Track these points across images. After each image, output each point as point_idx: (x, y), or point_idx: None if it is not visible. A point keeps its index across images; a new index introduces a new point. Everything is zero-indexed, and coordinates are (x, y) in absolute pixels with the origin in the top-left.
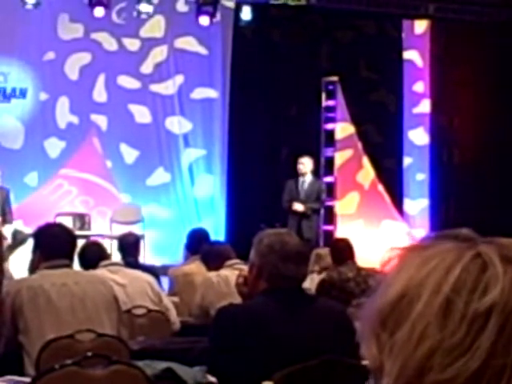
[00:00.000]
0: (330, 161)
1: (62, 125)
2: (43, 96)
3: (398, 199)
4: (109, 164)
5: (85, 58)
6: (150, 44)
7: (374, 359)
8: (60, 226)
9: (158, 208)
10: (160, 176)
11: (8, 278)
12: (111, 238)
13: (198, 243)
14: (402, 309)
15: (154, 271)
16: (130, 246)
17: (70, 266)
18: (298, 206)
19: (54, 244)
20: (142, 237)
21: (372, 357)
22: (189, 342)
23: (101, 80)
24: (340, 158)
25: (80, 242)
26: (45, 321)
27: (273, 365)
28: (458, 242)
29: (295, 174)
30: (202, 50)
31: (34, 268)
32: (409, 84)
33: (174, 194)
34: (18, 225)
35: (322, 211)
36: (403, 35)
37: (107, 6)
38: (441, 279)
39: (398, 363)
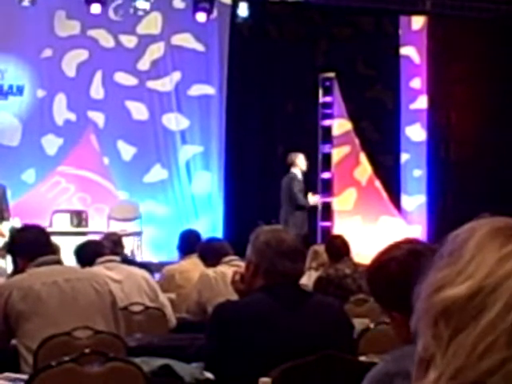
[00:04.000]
0: (327, 157)
1: (59, 122)
2: (40, 93)
3: (395, 195)
4: (106, 161)
5: (82, 54)
6: (146, 41)
7: (427, 348)
8: (28, 227)
9: (155, 205)
10: (157, 173)
11: (2, 274)
12: None
13: (188, 244)
14: (471, 309)
15: (148, 267)
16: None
17: (59, 261)
18: (315, 199)
19: (29, 244)
20: (140, 233)
21: (425, 344)
22: (186, 338)
23: (98, 77)
24: (337, 154)
25: (77, 239)
26: (36, 321)
27: (270, 361)
28: None
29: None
30: (199, 47)
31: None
32: (406, 80)
33: (172, 190)
34: (15, 222)
35: (320, 207)
36: (400, 31)
37: (104, 3)
38: None
39: (455, 365)
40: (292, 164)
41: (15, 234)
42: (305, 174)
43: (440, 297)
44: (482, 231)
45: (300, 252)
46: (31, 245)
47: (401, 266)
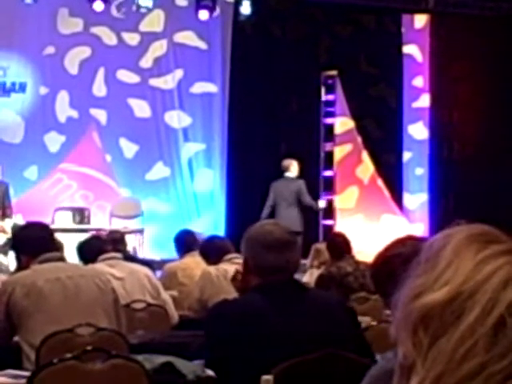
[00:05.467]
0: (330, 155)
1: (61, 119)
2: (43, 90)
3: (397, 194)
4: (108, 158)
5: (84, 52)
6: (149, 38)
7: (407, 355)
8: (31, 224)
9: (157, 202)
10: (159, 170)
11: (5, 271)
12: None
13: (185, 244)
14: (449, 315)
15: (150, 265)
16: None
17: (62, 258)
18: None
19: (33, 240)
20: (142, 231)
21: (405, 352)
22: (188, 336)
23: (100, 74)
24: (339, 152)
25: (80, 236)
26: (39, 318)
27: (270, 359)
28: None
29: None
30: (202, 45)
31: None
32: (408, 78)
33: (174, 188)
34: (17, 219)
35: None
36: (403, 30)
37: (106, 1)
38: (496, 294)
39: (436, 371)
40: (287, 169)
41: (19, 230)
42: (307, 172)
43: (418, 303)
44: (458, 238)
45: (289, 242)
46: (35, 241)
47: (405, 263)
